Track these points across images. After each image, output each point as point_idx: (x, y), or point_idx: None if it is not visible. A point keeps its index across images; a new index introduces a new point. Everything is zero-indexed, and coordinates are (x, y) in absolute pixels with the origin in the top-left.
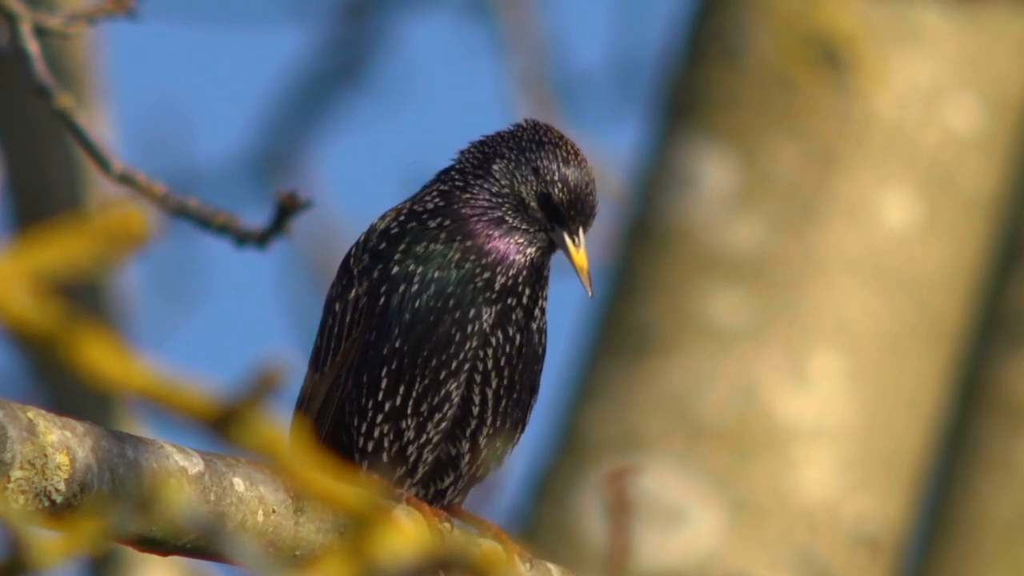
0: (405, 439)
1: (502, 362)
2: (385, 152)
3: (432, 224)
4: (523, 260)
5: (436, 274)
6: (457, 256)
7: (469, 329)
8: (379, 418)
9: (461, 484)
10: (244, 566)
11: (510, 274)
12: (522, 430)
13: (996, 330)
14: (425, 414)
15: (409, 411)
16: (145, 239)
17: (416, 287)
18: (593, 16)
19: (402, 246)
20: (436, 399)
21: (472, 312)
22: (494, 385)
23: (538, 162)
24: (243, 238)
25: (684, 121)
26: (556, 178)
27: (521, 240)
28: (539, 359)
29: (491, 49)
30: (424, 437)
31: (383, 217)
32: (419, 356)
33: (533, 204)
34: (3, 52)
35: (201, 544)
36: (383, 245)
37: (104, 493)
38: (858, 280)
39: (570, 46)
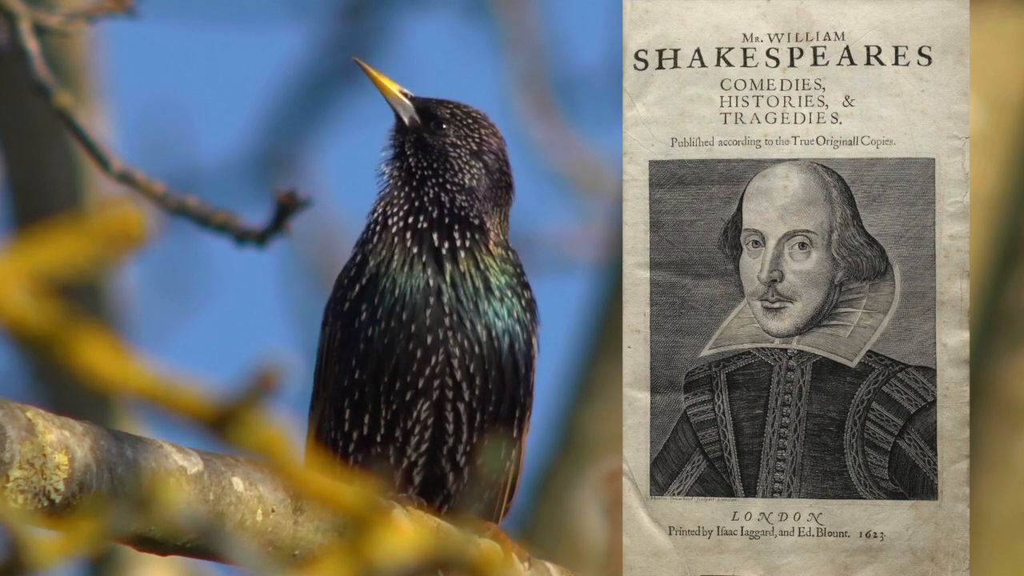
0: (387, 466)
1: (471, 368)
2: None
3: (366, 252)
4: (410, 187)
5: (379, 293)
6: (382, 251)
7: (430, 340)
8: (350, 447)
9: (452, 503)
10: (243, 566)
11: (413, 212)
12: (514, 443)
13: (996, 330)
14: (400, 439)
15: (379, 439)
16: (144, 239)
17: (365, 315)
18: (593, 16)
19: (356, 287)
20: (409, 422)
21: (429, 314)
22: (466, 397)
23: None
24: (243, 237)
25: None
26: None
27: (400, 164)
28: (518, 365)
29: (491, 49)
30: (406, 461)
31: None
32: (380, 384)
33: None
34: (3, 50)
35: (200, 544)
36: (345, 281)
37: (103, 493)
38: None
39: (570, 46)
